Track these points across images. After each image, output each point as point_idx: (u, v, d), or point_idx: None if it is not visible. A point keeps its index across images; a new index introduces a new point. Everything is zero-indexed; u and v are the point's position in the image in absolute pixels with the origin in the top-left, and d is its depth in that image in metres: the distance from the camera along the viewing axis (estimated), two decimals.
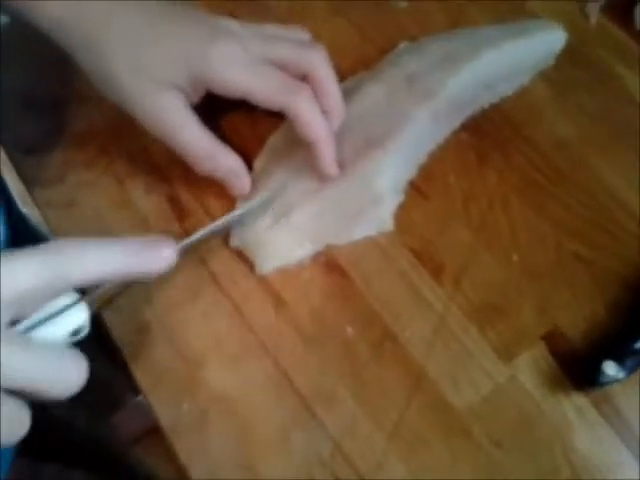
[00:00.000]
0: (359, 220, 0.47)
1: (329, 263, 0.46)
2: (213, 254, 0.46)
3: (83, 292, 0.35)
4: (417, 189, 0.49)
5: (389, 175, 0.47)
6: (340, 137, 0.46)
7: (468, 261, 0.46)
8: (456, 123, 0.51)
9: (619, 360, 0.41)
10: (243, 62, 0.43)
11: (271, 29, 0.47)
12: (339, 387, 0.42)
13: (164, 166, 0.49)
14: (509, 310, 0.45)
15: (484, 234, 0.47)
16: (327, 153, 0.44)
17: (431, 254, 0.46)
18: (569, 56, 0.53)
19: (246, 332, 0.44)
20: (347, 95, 0.48)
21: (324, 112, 0.44)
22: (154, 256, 0.36)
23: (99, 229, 0.47)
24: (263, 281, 0.45)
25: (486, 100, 0.52)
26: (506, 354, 0.43)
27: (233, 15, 0.47)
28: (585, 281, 0.46)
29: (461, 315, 0.44)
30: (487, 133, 0.51)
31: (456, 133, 0.51)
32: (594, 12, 0.55)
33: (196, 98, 0.45)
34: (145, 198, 0.48)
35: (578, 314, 0.45)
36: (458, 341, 0.44)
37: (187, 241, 0.40)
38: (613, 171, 0.49)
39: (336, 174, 0.45)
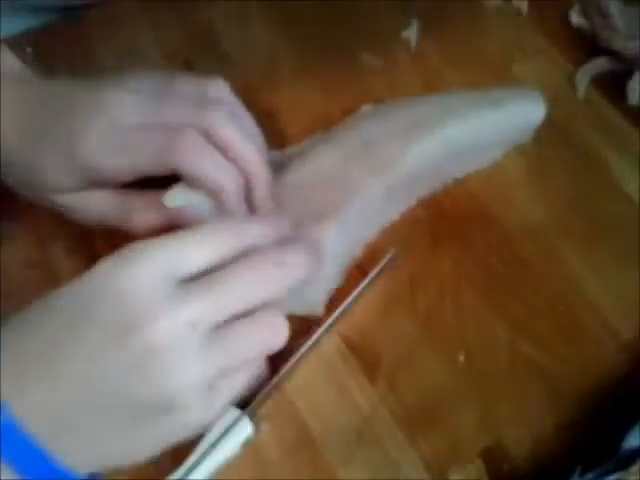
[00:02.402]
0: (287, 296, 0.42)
1: None
2: None
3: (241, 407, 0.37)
4: (360, 269, 0.44)
5: (328, 255, 0.41)
6: (276, 209, 0.41)
7: (408, 357, 0.41)
8: (413, 199, 0.46)
9: None
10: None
11: (176, 84, 0.40)
12: None
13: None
14: (446, 418, 0.40)
15: (429, 327, 0.42)
16: (233, 203, 0.39)
17: (367, 345, 0.41)
18: (551, 131, 0.48)
19: None
20: (295, 159, 0.44)
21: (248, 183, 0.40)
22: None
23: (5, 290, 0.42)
24: None
25: (450, 175, 0.47)
26: (437, 469, 0.38)
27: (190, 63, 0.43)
28: (537, 392, 0.40)
29: (390, 419, 0.39)
30: (446, 211, 0.46)
31: (411, 208, 0.46)
32: (583, 82, 0.50)
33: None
34: (65, 259, 0.44)
35: (524, 430, 0.39)
36: (382, 449, 0.38)
37: None
38: (586, 268, 0.44)
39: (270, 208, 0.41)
